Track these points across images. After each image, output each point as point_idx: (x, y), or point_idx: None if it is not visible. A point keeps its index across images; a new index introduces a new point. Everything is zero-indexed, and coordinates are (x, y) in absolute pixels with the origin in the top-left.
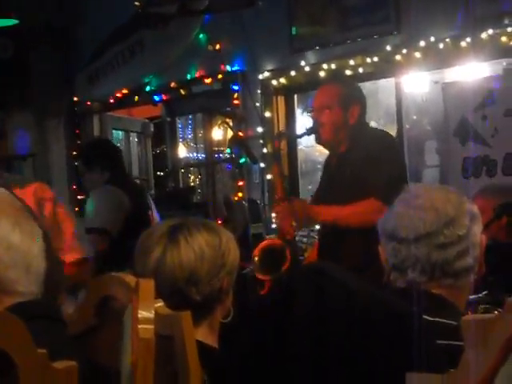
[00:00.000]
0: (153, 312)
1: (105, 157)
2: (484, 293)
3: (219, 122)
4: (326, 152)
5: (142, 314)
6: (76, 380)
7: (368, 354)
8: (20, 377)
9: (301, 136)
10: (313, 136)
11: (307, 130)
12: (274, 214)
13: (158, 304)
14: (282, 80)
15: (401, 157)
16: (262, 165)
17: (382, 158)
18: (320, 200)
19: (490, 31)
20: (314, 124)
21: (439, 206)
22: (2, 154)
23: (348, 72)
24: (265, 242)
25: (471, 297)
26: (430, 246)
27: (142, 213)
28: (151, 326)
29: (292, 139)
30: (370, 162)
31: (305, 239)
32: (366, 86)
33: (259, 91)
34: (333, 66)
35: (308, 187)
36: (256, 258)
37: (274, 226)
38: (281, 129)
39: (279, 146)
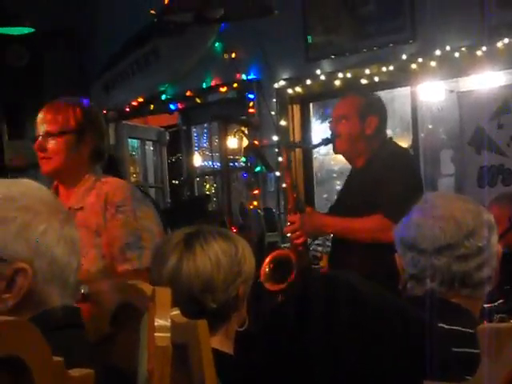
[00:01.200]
0: (169, 320)
1: (114, 171)
2: (500, 301)
3: (235, 130)
4: (342, 160)
5: (159, 322)
6: None
7: (384, 362)
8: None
9: (316, 146)
10: (329, 145)
11: (323, 140)
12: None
13: (174, 312)
14: (298, 89)
15: (416, 177)
16: (278, 173)
17: (396, 178)
18: (334, 210)
19: (506, 40)
20: (331, 134)
21: (459, 216)
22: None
23: (363, 81)
24: (272, 254)
25: (487, 305)
26: (451, 257)
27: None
28: (167, 334)
29: (307, 150)
30: (383, 181)
31: (320, 248)
32: (382, 95)
33: (274, 100)
34: (348, 75)
35: (323, 195)
36: (266, 269)
37: (288, 234)
38: (296, 137)
39: (289, 156)
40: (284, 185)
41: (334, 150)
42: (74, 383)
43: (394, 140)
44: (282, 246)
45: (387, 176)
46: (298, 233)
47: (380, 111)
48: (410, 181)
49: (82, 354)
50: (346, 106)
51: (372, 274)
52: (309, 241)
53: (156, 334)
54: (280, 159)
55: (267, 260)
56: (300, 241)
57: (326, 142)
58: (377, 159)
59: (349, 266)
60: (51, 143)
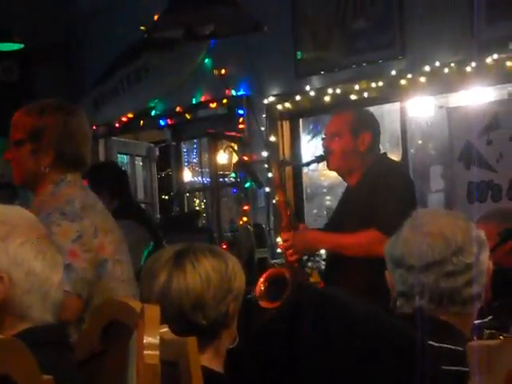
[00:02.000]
0: (158, 337)
1: (114, 182)
2: (489, 318)
3: (224, 146)
4: (332, 176)
5: (148, 339)
6: None
7: (374, 379)
8: None
9: (309, 164)
10: (321, 162)
11: (316, 157)
12: (279, 241)
13: (164, 329)
14: (287, 104)
15: (410, 190)
16: (267, 189)
17: (390, 192)
18: (330, 228)
19: (495, 56)
20: (324, 151)
21: (447, 233)
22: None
23: (353, 97)
24: (267, 272)
25: (476, 322)
26: (439, 274)
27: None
28: (156, 352)
29: (297, 167)
30: (378, 196)
31: (310, 263)
32: (371, 111)
33: (264, 116)
34: (338, 91)
35: (313, 211)
36: (261, 287)
37: (279, 250)
38: (286, 153)
39: (280, 173)
40: (274, 201)
41: (327, 166)
42: None
43: None
44: (273, 261)
45: (381, 191)
46: (291, 250)
47: (373, 127)
48: (404, 195)
49: (68, 372)
50: (339, 122)
51: (368, 289)
52: (304, 257)
53: (145, 352)
54: (270, 175)
55: (262, 278)
56: (294, 258)
57: (319, 159)
58: (371, 175)
59: (344, 281)
60: (13, 152)
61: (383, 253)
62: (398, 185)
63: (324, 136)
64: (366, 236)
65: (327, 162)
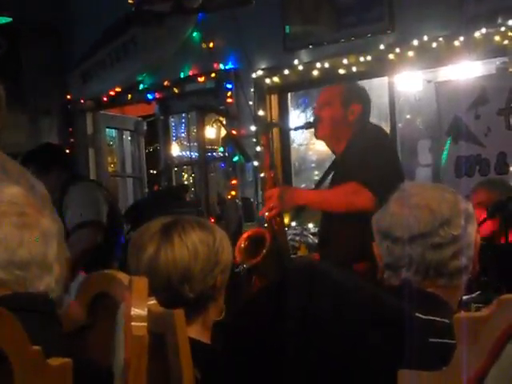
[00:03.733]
0: (146, 309)
1: (61, 158)
2: (477, 293)
3: (212, 120)
4: (320, 150)
5: (135, 311)
6: (70, 377)
7: (360, 351)
8: (14, 373)
9: (297, 129)
10: (305, 135)
11: (305, 123)
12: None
13: (151, 302)
14: (276, 79)
15: (392, 153)
16: (256, 163)
17: (369, 152)
18: None
19: (484, 30)
20: (313, 119)
21: (434, 205)
22: None
23: (341, 71)
24: (248, 232)
25: (464, 297)
26: (425, 246)
27: (117, 207)
28: (144, 324)
29: (285, 134)
30: (359, 158)
31: (297, 237)
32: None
33: (252, 90)
34: (326, 65)
35: (302, 185)
36: (241, 245)
37: (266, 224)
38: (274, 128)
39: (269, 136)
40: (262, 174)
41: (315, 134)
42: (52, 372)
43: None
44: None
45: (363, 153)
46: (272, 204)
47: (364, 101)
48: (383, 154)
49: (55, 343)
50: (331, 93)
51: (360, 256)
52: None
53: (133, 324)
54: (258, 149)
55: (242, 237)
56: (273, 213)
57: (307, 125)
58: (355, 142)
59: (337, 248)
60: None
61: (361, 203)
62: (378, 145)
63: (316, 105)
64: (344, 187)
65: (315, 130)
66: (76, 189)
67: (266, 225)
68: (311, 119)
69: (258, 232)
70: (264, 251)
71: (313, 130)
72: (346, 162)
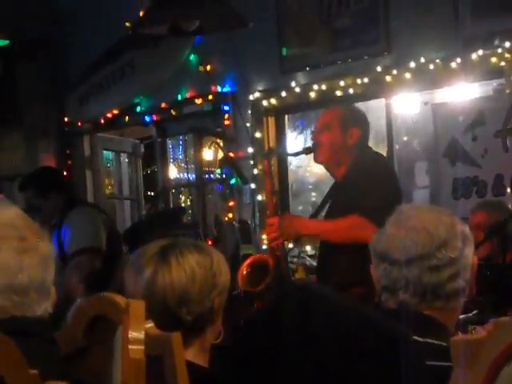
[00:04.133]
0: (143, 332)
1: (59, 182)
2: (474, 312)
3: (210, 142)
4: (317, 172)
5: (133, 334)
6: None
7: (357, 375)
8: None
9: (297, 154)
10: (303, 157)
11: (304, 149)
12: (264, 236)
13: (149, 325)
14: (273, 101)
15: (394, 181)
16: (253, 185)
17: (372, 182)
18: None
19: (480, 52)
20: (312, 143)
21: (431, 227)
22: None
23: (338, 93)
24: (250, 258)
25: (461, 317)
26: (422, 268)
27: (116, 231)
28: (141, 347)
29: (283, 157)
30: (361, 186)
31: (295, 259)
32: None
33: (250, 112)
34: (323, 87)
35: (299, 208)
36: (244, 272)
37: (264, 246)
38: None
39: (270, 163)
40: (259, 197)
41: (314, 159)
42: None
43: None
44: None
45: (364, 181)
46: (275, 234)
47: (363, 124)
48: (385, 182)
49: (52, 366)
50: (329, 116)
51: (358, 280)
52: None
53: (130, 347)
54: (255, 171)
55: (245, 263)
56: (276, 242)
57: (307, 150)
58: (356, 168)
59: (335, 272)
60: None
61: (365, 237)
62: (379, 173)
63: (314, 129)
64: (346, 221)
65: (314, 154)
66: (75, 214)
67: (267, 250)
68: (310, 144)
69: (259, 258)
70: (267, 279)
71: (311, 154)
72: (346, 188)
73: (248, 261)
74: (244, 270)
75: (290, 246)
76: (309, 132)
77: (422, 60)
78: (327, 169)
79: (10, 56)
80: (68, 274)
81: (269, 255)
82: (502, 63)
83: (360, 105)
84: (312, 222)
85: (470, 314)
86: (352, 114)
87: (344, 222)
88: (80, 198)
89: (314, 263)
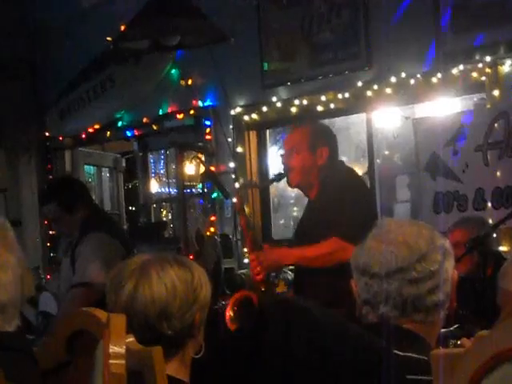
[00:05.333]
0: (124, 347)
1: (82, 196)
2: (455, 326)
3: (191, 156)
4: None
5: (114, 349)
6: None
7: None
8: None
9: (270, 183)
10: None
11: (276, 176)
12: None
13: (130, 339)
14: (254, 115)
15: (367, 196)
16: (234, 200)
17: (345, 199)
18: (296, 239)
19: (461, 67)
20: (283, 169)
21: (411, 241)
22: None
23: (319, 108)
24: (235, 296)
25: (442, 330)
26: (402, 281)
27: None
28: (122, 362)
29: (262, 188)
30: (335, 205)
31: (274, 273)
32: (337, 122)
33: (231, 126)
34: (304, 102)
35: (280, 222)
36: (230, 313)
37: (245, 260)
38: (253, 164)
39: (242, 197)
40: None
41: (288, 184)
42: None
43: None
44: (239, 272)
45: (336, 200)
46: (258, 269)
47: (330, 141)
48: (359, 200)
49: (30, 380)
50: (296, 138)
51: (334, 298)
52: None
53: (111, 361)
54: (237, 185)
55: (230, 303)
56: (261, 277)
57: (278, 177)
58: (327, 187)
59: (311, 291)
60: None
61: (346, 258)
62: (351, 189)
63: (282, 152)
64: (327, 245)
65: (287, 179)
66: (87, 241)
67: (252, 286)
68: (281, 169)
69: (243, 296)
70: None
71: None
72: (319, 208)
73: (232, 300)
74: (230, 310)
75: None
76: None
77: (403, 75)
78: (302, 190)
79: None
80: (62, 306)
81: (253, 291)
82: (483, 78)
83: (341, 119)
84: (291, 251)
85: (451, 328)
86: (318, 132)
87: (324, 247)
88: (101, 214)
89: None
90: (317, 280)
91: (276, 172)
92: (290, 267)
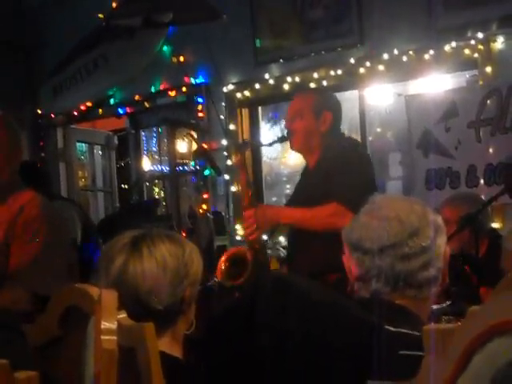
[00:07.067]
0: (115, 323)
1: (36, 176)
2: (447, 303)
3: (183, 134)
4: (291, 164)
5: (105, 324)
6: None
7: (330, 365)
8: None
9: (271, 144)
10: (277, 149)
11: (278, 138)
12: (240, 225)
13: (121, 315)
14: (246, 93)
15: (369, 167)
16: (227, 177)
17: (348, 167)
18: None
19: (453, 44)
20: (286, 132)
21: (403, 216)
22: None
23: (312, 85)
24: (228, 251)
25: (434, 307)
26: (394, 256)
27: (91, 222)
28: (114, 337)
29: (256, 148)
30: (336, 172)
31: (269, 251)
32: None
33: (223, 104)
34: (297, 79)
35: (273, 199)
36: (222, 267)
37: (238, 238)
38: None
39: (244, 155)
40: (233, 188)
41: (291, 147)
42: None
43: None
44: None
45: (339, 167)
46: (253, 227)
47: (334, 108)
48: (361, 169)
49: (21, 357)
50: (301, 103)
51: (329, 269)
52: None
53: (102, 337)
54: (229, 162)
55: (223, 258)
56: (255, 236)
57: (281, 139)
58: (329, 155)
59: (306, 262)
60: None
61: (342, 224)
62: (354, 159)
63: (287, 117)
64: (325, 208)
65: (290, 143)
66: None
67: (246, 244)
68: (284, 132)
69: (238, 252)
70: (246, 273)
71: (285, 143)
72: (319, 175)
73: (226, 255)
74: (222, 264)
75: (264, 237)
76: (282, 124)
77: (396, 52)
78: (303, 156)
79: None
80: None
81: (247, 248)
82: (475, 54)
83: None
84: (287, 209)
85: (444, 305)
86: (323, 98)
87: (323, 209)
88: (55, 192)
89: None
90: (311, 245)
91: (279, 135)
92: (283, 244)
